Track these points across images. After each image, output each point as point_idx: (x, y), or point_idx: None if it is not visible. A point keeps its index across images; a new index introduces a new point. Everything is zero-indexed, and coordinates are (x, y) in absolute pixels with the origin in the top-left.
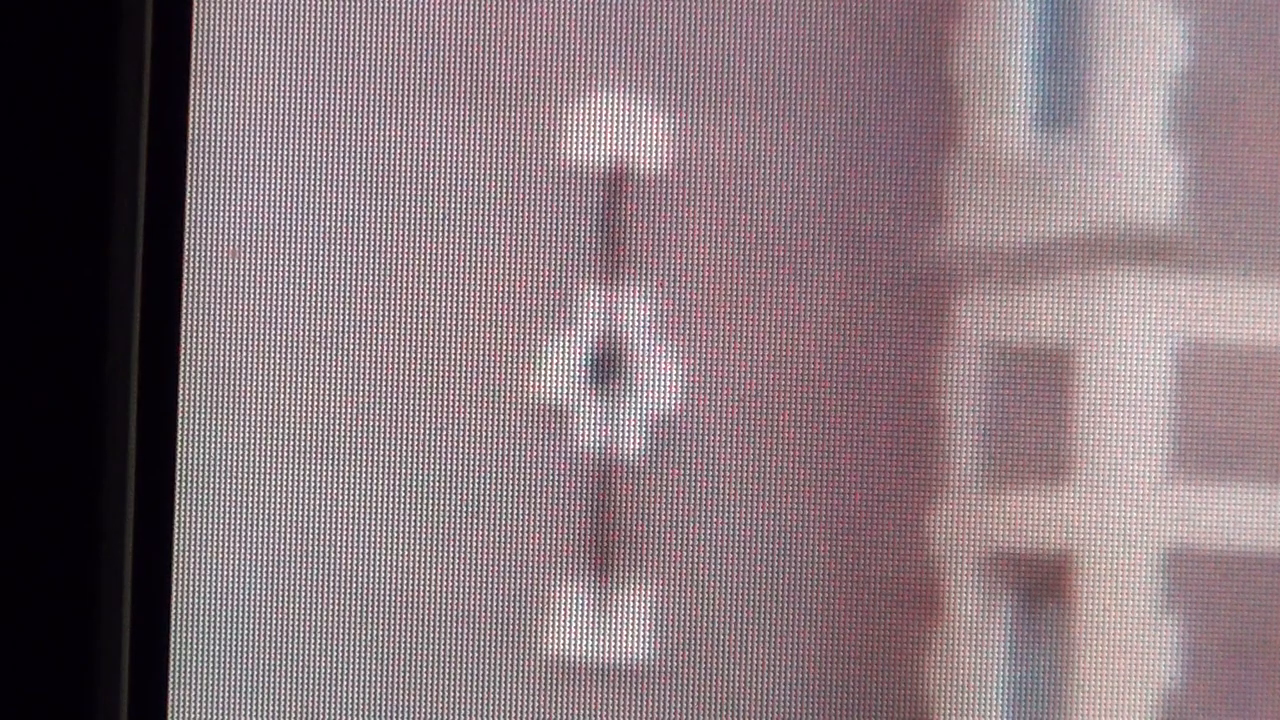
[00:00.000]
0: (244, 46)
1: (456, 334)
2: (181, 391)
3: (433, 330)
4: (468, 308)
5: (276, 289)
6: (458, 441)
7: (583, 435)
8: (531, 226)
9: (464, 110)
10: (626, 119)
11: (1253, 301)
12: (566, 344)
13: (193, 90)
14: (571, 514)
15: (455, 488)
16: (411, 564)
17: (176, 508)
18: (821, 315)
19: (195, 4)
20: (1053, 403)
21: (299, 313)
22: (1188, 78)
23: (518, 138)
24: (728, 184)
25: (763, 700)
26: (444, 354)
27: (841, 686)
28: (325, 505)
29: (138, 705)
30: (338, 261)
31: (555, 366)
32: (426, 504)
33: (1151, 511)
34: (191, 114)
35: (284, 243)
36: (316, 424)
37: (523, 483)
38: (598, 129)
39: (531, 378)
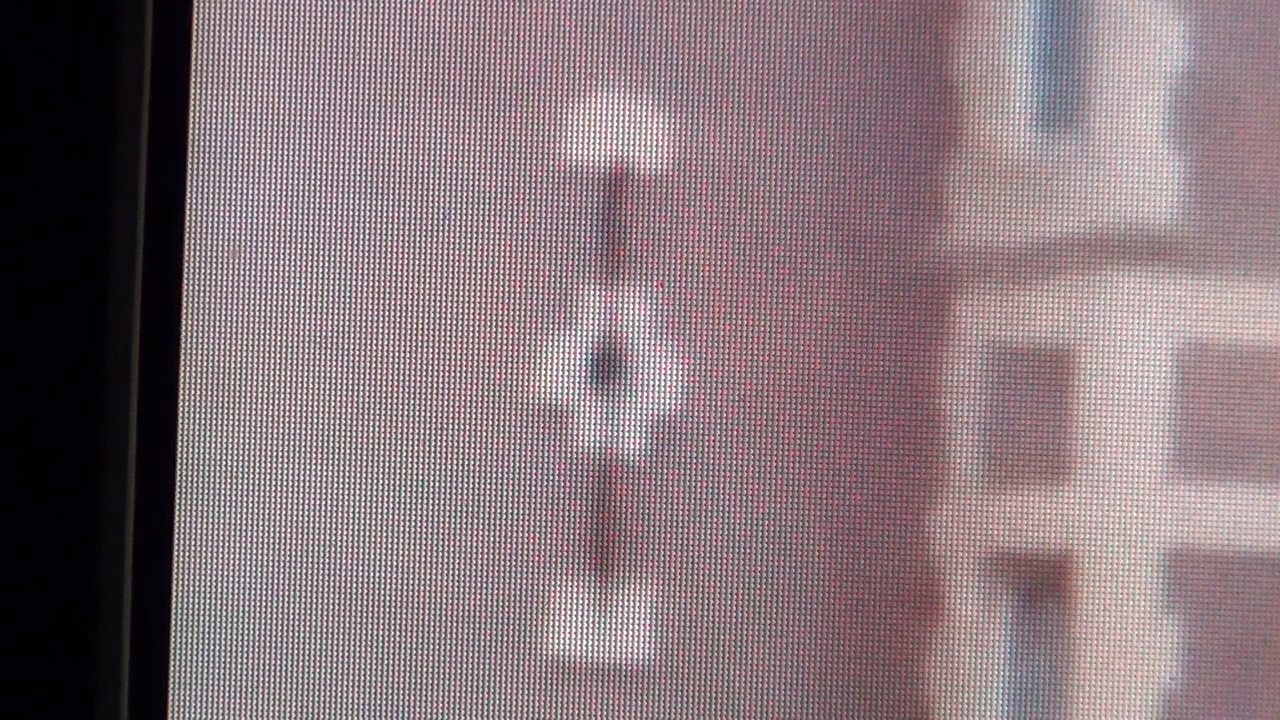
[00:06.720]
0: (244, 46)
1: (456, 334)
2: (181, 391)
3: (432, 330)
4: (467, 308)
5: (276, 289)
6: (457, 441)
7: (583, 435)
8: (531, 226)
9: (464, 110)
10: (626, 119)
11: (1253, 301)
12: (566, 344)
13: (193, 90)
14: (571, 514)
15: (455, 488)
16: (411, 564)
17: (176, 508)
18: (821, 315)
19: (195, 4)
20: (1053, 403)
21: (299, 313)
22: (1188, 78)
23: (517, 138)
24: (728, 184)
25: (763, 700)
26: (444, 354)
27: (841, 686)
28: (325, 505)
29: (138, 705)
30: (337, 262)
31: (555, 366)
32: (426, 504)
33: (1151, 511)
34: (191, 114)
35: (284, 243)
36: (316, 424)
37: (523, 483)
38: (598, 129)
39: (531, 378)
